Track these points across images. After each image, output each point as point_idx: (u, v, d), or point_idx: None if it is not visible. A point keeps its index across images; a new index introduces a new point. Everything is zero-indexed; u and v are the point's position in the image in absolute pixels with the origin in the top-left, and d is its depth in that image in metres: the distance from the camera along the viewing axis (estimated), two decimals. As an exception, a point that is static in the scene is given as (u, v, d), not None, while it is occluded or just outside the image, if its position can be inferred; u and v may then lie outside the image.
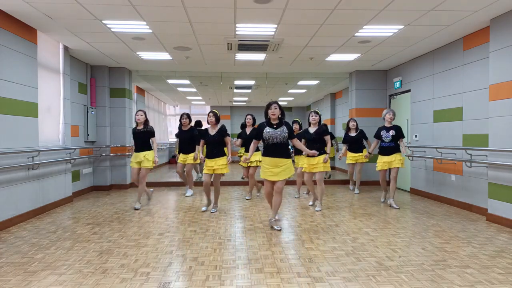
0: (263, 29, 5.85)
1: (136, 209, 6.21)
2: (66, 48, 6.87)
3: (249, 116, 7.24)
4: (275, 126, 4.79)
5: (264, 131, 4.77)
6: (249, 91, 12.70)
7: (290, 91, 12.73)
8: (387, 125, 6.45)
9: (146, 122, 6.27)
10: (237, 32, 6.02)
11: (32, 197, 5.69)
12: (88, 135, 8.08)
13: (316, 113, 6.18)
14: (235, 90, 12.59)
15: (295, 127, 7.54)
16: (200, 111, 17.04)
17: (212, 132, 5.84)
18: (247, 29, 5.86)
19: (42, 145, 6.00)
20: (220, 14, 5.16)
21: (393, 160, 6.27)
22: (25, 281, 3.18)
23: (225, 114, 17.52)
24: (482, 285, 3.09)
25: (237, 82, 11.09)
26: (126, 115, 8.87)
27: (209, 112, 5.92)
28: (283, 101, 15.49)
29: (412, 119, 7.95)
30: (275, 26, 5.69)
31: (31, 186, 5.67)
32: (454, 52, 6.49)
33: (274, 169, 4.73)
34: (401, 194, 7.89)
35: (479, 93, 5.84)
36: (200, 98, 14.43)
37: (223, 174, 5.98)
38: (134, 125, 6.92)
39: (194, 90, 12.31)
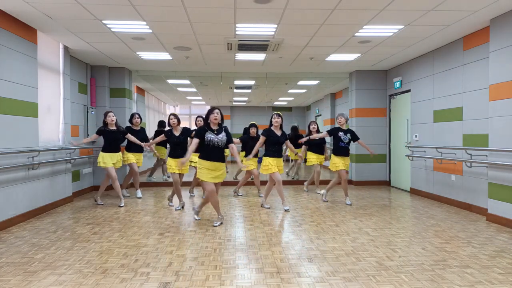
0: (263, 29, 5.85)
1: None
2: (66, 48, 6.87)
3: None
4: (215, 132, 4.98)
5: (206, 135, 4.93)
6: (249, 91, 12.70)
7: (290, 91, 12.73)
8: (343, 128, 6.63)
9: (116, 123, 6.63)
10: (237, 32, 6.02)
11: (32, 197, 5.69)
12: (88, 135, 8.07)
13: (279, 115, 6.20)
14: (235, 90, 12.59)
15: (252, 130, 7.34)
16: (200, 111, 17.04)
17: (176, 133, 6.14)
18: (247, 29, 5.86)
19: (42, 145, 6.00)
20: (220, 14, 5.16)
21: (347, 162, 6.63)
22: (25, 281, 3.18)
23: (225, 114, 17.46)
24: (482, 285, 3.09)
25: (237, 82, 11.09)
26: (126, 115, 8.84)
27: (170, 115, 6.24)
28: (283, 101, 15.46)
29: (412, 119, 7.95)
30: (275, 26, 5.69)
31: (31, 186, 5.67)
32: (454, 52, 6.49)
33: (214, 172, 4.96)
34: (401, 194, 7.89)
35: (479, 93, 5.84)
36: (200, 98, 14.43)
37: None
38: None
39: (194, 90, 12.32)
